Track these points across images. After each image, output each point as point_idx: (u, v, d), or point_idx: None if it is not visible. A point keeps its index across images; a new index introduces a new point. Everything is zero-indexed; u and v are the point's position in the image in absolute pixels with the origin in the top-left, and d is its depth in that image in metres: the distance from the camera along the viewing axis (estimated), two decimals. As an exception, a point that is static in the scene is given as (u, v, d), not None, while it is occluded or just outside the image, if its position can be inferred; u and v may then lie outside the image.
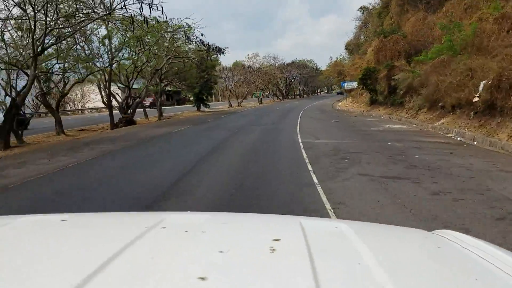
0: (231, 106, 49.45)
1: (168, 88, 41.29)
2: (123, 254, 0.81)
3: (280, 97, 72.73)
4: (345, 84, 36.14)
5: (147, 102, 50.94)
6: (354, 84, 34.87)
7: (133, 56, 21.71)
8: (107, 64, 21.17)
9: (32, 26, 12.88)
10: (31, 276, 0.73)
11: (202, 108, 40.34)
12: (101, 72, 21.30)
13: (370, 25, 46.85)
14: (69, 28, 15.25)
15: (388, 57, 27.32)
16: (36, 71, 13.75)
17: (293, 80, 77.91)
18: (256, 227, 1.20)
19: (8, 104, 14.15)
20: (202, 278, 0.69)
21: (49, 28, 13.48)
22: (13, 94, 14.40)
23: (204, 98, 40.10)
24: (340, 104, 46.70)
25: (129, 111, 23.39)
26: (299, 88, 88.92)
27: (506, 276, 0.80)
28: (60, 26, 14.59)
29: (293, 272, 0.76)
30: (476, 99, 12.41)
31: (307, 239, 0.95)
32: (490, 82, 11.69)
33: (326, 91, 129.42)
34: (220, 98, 79.61)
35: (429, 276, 0.82)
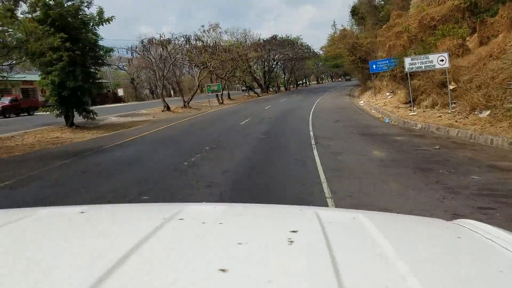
0: (167, 109, 27.89)
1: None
2: (143, 246, 0.82)
3: (257, 91, 51.06)
4: (419, 61, 14.46)
5: (-2, 104, 27.93)
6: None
7: None
8: None
9: None
10: (51, 269, 0.73)
11: (79, 121, 18.62)
12: None
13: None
14: None
15: None
16: None
17: (274, 65, 56.00)
18: (272, 218, 1.21)
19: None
20: (223, 270, 0.70)
21: None
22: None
23: (84, 98, 18.35)
24: (363, 102, 25.97)
25: None
26: (283, 77, 67.26)
27: None
28: None
29: (313, 264, 0.77)
30: None
31: (324, 230, 0.96)
32: None
33: (315, 81, 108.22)
34: (173, 93, 57.92)
35: (451, 268, 0.82)
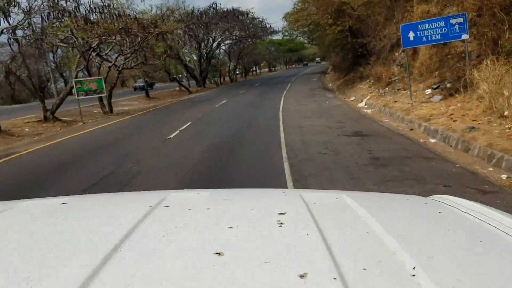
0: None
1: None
2: (134, 234, 0.82)
3: (187, 86, 36.34)
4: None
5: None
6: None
7: None
8: None
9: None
10: (45, 263, 0.72)
11: None
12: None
13: None
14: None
15: None
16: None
17: (215, 48, 41.19)
18: (258, 202, 1.21)
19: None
20: (219, 254, 0.71)
21: None
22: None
23: None
24: (368, 107, 13.45)
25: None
26: (228, 64, 53.08)
27: (506, 236, 0.86)
28: None
29: (306, 243, 0.78)
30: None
31: (311, 211, 0.96)
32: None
33: (267, 68, 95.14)
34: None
35: (436, 240, 0.86)
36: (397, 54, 18.32)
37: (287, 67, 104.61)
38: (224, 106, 18.45)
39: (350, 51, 21.14)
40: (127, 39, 17.95)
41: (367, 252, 0.74)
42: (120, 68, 19.12)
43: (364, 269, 0.67)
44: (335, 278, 0.62)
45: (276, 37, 48.16)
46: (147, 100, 29.16)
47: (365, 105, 15.28)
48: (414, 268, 0.68)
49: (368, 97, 15.87)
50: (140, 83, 41.07)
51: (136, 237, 0.80)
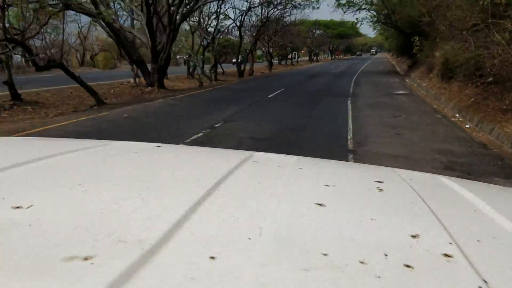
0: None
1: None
2: (232, 176, 0.82)
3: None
4: None
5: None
6: None
7: None
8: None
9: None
10: (152, 187, 0.73)
11: None
12: None
13: None
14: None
15: None
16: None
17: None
18: (352, 169, 1.17)
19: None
20: (320, 204, 0.69)
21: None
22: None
23: None
24: None
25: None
26: (242, 44, 33.70)
27: None
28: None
29: (412, 210, 0.74)
30: None
31: (409, 184, 0.92)
32: None
33: (307, 57, 74.94)
34: None
35: None
36: None
37: (333, 57, 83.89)
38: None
39: None
40: None
41: (478, 227, 0.69)
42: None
43: (478, 241, 0.62)
44: (450, 243, 0.59)
45: (323, 14, 29.01)
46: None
47: None
48: None
49: None
50: None
51: (234, 179, 0.80)
